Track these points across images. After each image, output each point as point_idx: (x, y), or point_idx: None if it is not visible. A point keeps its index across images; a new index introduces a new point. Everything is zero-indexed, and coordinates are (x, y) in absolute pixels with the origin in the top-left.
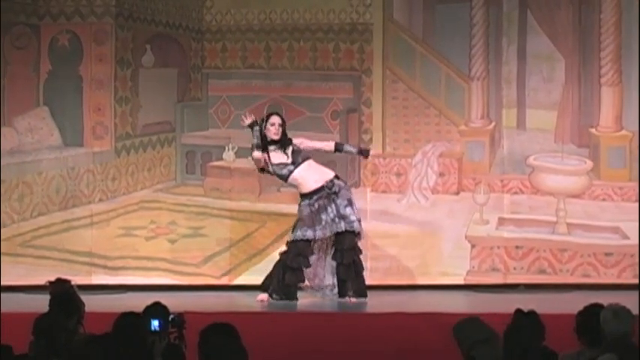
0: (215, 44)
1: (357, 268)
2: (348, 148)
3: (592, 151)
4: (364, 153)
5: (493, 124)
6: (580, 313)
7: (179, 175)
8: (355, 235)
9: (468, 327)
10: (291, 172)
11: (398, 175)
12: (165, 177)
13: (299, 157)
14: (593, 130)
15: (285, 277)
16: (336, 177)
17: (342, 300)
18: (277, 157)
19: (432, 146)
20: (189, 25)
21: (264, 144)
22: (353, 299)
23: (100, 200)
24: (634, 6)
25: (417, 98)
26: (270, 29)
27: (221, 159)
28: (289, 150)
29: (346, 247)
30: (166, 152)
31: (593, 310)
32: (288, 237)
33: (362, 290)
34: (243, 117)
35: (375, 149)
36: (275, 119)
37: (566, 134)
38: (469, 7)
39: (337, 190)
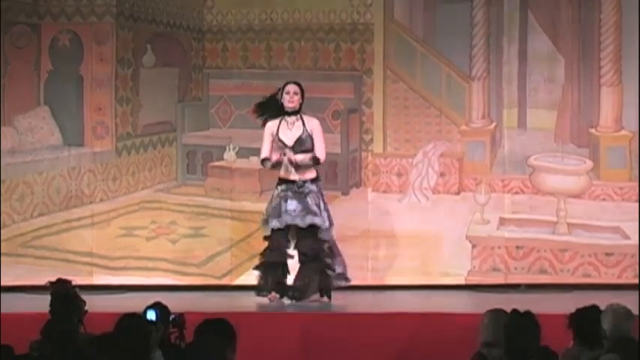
0: (216, 44)
1: (322, 266)
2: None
3: (592, 151)
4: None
5: (494, 124)
6: (576, 313)
7: (180, 175)
8: (320, 232)
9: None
10: (283, 154)
11: (399, 175)
12: (166, 177)
13: (300, 146)
14: (592, 131)
15: (269, 274)
16: (313, 180)
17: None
18: (284, 132)
19: (432, 146)
20: (190, 24)
21: (281, 113)
22: (323, 299)
23: (101, 200)
24: (634, 6)
25: (418, 98)
26: (271, 29)
27: (222, 159)
28: (301, 128)
29: (310, 244)
30: (167, 152)
31: (591, 311)
32: (263, 231)
33: (328, 289)
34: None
35: (376, 149)
36: (290, 87)
37: (566, 134)
38: (470, 7)
39: (307, 191)
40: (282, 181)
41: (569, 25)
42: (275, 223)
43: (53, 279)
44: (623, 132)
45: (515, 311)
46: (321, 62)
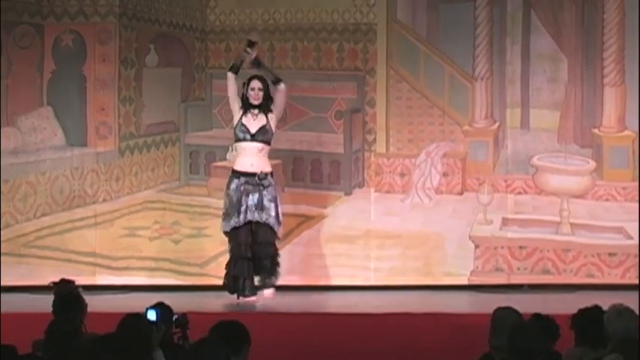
0: (219, 44)
1: (274, 262)
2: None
3: (595, 151)
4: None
5: (497, 124)
6: (579, 314)
7: (183, 175)
8: (272, 231)
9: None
10: (244, 140)
11: (402, 175)
12: (169, 177)
13: (262, 135)
14: (595, 131)
15: (232, 269)
16: (271, 174)
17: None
18: (249, 121)
19: (435, 146)
20: (193, 25)
21: (246, 106)
22: (267, 292)
23: (104, 200)
24: (637, 6)
25: (421, 98)
26: (274, 29)
27: (225, 159)
28: (264, 120)
29: (263, 241)
30: (170, 152)
31: (593, 311)
32: (220, 226)
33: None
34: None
35: (379, 149)
36: (255, 84)
37: (569, 134)
38: (473, 7)
39: (267, 184)
40: (239, 173)
41: (572, 25)
42: (235, 221)
43: (56, 279)
44: (626, 132)
45: (536, 315)
46: (324, 62)
